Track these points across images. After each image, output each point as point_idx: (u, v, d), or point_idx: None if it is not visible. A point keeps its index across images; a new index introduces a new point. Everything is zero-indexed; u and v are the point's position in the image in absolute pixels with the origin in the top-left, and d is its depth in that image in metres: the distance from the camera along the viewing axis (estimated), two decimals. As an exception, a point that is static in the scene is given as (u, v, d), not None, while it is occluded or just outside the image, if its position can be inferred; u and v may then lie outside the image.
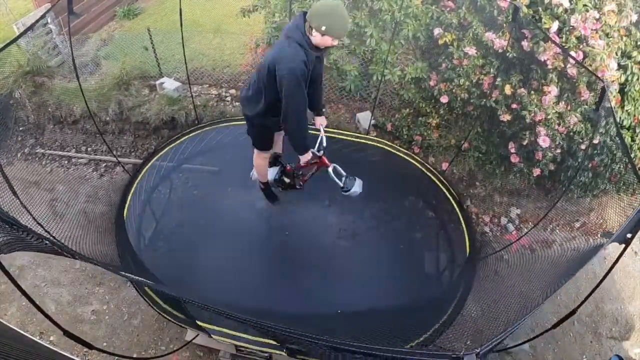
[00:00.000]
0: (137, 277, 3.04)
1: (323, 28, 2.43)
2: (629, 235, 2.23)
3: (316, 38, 2.52)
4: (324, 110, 3.13)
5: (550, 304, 4.71)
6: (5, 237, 1.78)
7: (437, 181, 4.79)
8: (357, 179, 3.28)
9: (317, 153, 3.15)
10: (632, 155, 4.40)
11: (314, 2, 2.62)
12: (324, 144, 3.22)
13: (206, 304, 2.68)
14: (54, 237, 3.16)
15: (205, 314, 3.43)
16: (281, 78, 2.53)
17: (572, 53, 3.85)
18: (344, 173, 3.23)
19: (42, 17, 4.19)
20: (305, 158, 3.05)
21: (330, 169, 3.18)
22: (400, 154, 5.06)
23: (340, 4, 2.45)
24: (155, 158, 4.85)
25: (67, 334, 1.75)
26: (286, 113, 2.70)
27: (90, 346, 1.87)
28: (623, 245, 2.27)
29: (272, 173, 3.62)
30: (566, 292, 4.84)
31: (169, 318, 3.60)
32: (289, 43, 2.53)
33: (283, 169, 3.59)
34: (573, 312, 2.15)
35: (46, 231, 3.27)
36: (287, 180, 3.60)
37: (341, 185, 3.21)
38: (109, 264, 2.95)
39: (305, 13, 2.53)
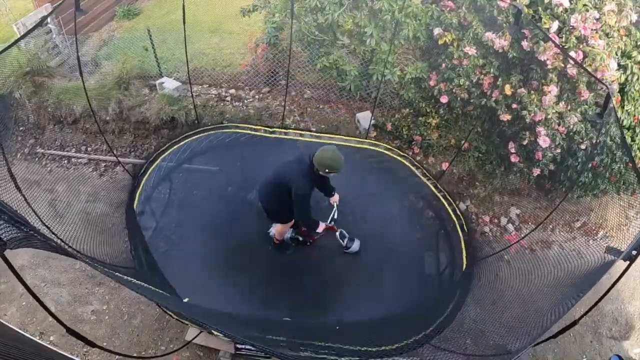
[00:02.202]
0: (140, 286, 3.03)
1: (326, 170, 3.34)
2: (634, 252, 2.25)
3: (321, 173, 3.41)
4: (333, 193, 3.84)
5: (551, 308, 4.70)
6: (12, 233, 1.78)
7: (431, 186, 4.78)
8: (356, 239, 4.04)
9: (329, 224, 3.80)
10: (632, 155, 4.40)
11: (320, 150, 3.33)
12: (336, 217, 3.87)
13: (210, 324, 2.70)
14: (57, 237, 3.17)
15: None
16: (296, 195, 3.40)
17: (572, 53, 3.85)
18: (347, 235, 3.97)
19: (46, 17, 4.20)
20: (320, 229, 3.71)
21: (337, 234, 3.93)
22: (398, 157, 5.07)
23: (336, 153, 3.31)
24: (155, 158, 4.85)
25: (70, 331, 1.75)
26: (298, 214, 3.64)
27: (92, 344, 1.86)
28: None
29: (288, 233, 4.14)
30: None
31: (171, 314, 3.60)
32: (303, 174, 3.37)
33: (298, 231, 4.12)
34: (575, 323, 2.16)
35: (50, 230, 3.28)
36: (300, 239, 4.14)
37: (344, 245, 3.97)
38: (111, 268, 2.95)
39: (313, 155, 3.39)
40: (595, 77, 3.68)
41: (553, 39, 3.80)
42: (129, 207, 4.35)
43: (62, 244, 3.02)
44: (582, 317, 2.18)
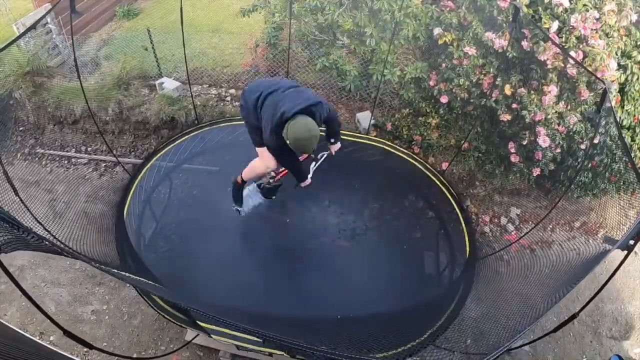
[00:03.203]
0: (137, 278, 3.04)
1: (288, 142, 2.84)
2: (631, 242, 2.24)
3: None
4: (332, 141, 3.45)
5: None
6: (6, 236, 1.78)
7: (437, 181, 4.79)
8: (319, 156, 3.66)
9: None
10: (632, 155, 4.40)
11: (293, 124, 2.79)
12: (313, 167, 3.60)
13: (209, 313, 2.68)
14: (54, 237, 3.16)
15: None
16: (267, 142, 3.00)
17: (572, 53, 3.85)
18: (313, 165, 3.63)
19: (43, 17, 4.20)
20: (306, 183, 3.50)
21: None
22: (401, 154, 5.06)
23: (311, 132, 2.77)
24: (155, 158, 4.84)
25: (67, 333, 1.75)
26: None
27: (90, 346, 1.87)
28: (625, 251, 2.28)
29: (253, 197, 3.88)
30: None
31: (169, 318, 3.59)
32: (272, 128, 2.84)
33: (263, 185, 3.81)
34: (574, 317, 2.15)
35: (47, 231, 3.28)
36: (268, 187, 3.80)
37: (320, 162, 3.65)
38: (108, 265, 2.95)
39: (295, 114, 2.79)
40: (593, 74, 3.67)
41: (553, 38, 3.80)
42: (119, 207, 4.33)
43: (59, 243, 3.02)
44: (581, 309, 2.18)
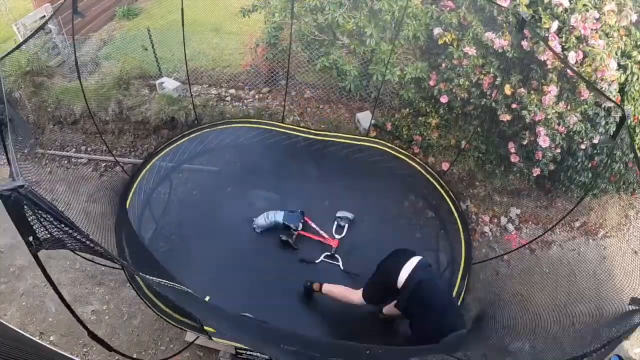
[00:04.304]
0: (177, 287, 3.00)
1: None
2: None
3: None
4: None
5: (550, 307, 4.70)
6: (52, 233, 1.73)
7: (435, 182, 4.78)
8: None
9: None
10: (632, 155, 4.40)
11: None
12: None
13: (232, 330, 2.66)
14: (90, 239, 3.13)
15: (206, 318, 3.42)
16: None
17: (572, 53, 3.86)
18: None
19: (49, 19, 4.20)
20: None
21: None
22: (400, 155, 5.06)
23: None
24: (155, 158, 4.84)
25: (91, 335, 1.76)
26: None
27: (110, 348, 1.88)
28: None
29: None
30: (566, 292, 4.83)
31: (169, 320, 3.59)
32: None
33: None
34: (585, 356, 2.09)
35: (81, 232, 3.24)
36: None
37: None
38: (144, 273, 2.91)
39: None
40: (611, 100, 3.57)
41: (554, 40, 3.80)
42: (120, 207, 4.33)
43: (101, 246, 2.99)
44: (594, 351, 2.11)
